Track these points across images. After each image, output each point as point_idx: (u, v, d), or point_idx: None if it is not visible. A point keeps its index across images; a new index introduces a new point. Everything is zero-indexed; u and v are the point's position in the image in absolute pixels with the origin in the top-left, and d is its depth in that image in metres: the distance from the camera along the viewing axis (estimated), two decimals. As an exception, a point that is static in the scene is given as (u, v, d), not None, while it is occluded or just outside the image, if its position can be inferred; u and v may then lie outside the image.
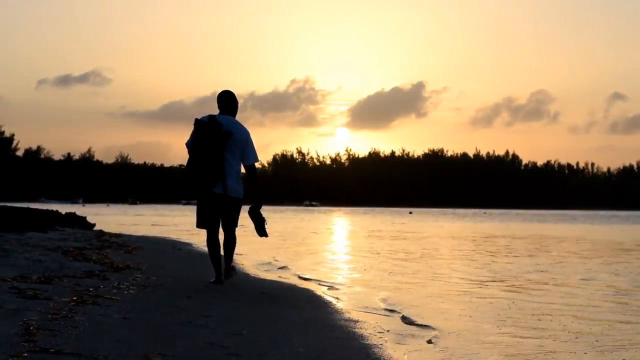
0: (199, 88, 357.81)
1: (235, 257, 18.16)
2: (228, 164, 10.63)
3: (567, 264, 18.97)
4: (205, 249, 11.67)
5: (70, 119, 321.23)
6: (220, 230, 11.04)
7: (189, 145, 10.75)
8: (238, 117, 11.17)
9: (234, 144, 10.64)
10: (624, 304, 11.51)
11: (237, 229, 11.11)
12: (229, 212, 10.83)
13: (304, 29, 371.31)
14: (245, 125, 10.97)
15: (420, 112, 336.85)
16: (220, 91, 11.10)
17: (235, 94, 11.17)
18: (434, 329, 8.90)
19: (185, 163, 11.04)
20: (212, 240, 10.95)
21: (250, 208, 10.98)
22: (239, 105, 11.22)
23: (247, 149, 10.76)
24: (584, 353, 7.62)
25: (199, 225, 10.91)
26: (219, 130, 10.55)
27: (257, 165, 11.06)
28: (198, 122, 10.68)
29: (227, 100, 10.99)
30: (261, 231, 11.06)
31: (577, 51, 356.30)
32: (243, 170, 11.10)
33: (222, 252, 11.06)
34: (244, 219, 11.02)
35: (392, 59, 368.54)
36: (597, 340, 8.31)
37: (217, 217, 10.84)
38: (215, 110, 11.13)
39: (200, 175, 10.58)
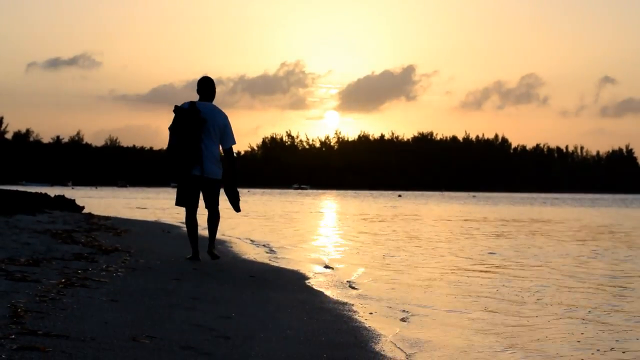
0: (189, 71, 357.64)
1: (225, 239, 18.22)
2: (206, 148, 11.36)
3: (542, 245, 19.02)
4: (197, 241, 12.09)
5: (59, 102, 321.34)
6: (204, 209, 11.84)
7: (171, 130, 11.48)
8: (223, 101, 11.69)
9: (212, 128, 11.38)
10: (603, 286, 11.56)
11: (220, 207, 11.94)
12: (208, 192, 11.65)
13: (294, 12, 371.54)
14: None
15: (410, 96, 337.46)
16: (199, 78, 11.76)
17: (214, 80, 11.81)
18: (419, 313, 8.93)
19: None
20: (190, 219, 11.77)
21: (225, 186, 11.75)
22: (226, 90, 12.18)
23: (225, 133, 11.52)
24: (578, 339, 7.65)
25: (178, 203, 11.69)
26: (197, 116, 11.24)
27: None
28: (177, 109, 11.37)
29: (204, 86, 11.68)
30: (236, 206, 11.82)
31: (567, 35, 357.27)
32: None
33: (201, 231, 11.97)
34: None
35: (382, 43, 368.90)
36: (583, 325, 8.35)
37: (195, 197, 11.65)
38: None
39: (180, 159, 11.32)
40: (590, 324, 8.27)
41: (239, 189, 11.78)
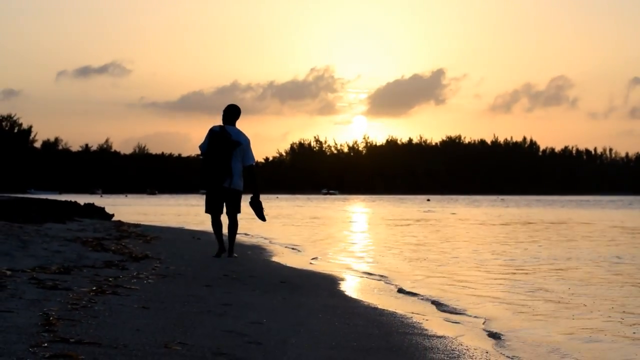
0: (219, 78, 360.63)
1: (255, 244, 18.26)
2: (234, 165, 13.41)
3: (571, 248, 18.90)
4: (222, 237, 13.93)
5: (89, 110, 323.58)
6: (225, 216, 13.69)
7: (202, 148, 13.62)
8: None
9: (239, 149, 13.43)
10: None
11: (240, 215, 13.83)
12: (233, 201, 13.57)
13: (323, 18, 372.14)
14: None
15: (439, 99, 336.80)
16: (228, 104, 13.83)
17: (239, 106, 13.94)
18: (465, 315, 8.89)
19: (200, 160, 14.10)
20: (216, 221, 13.82)
21: (251, 199, 13.70)
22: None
23: (247, 154, 13.56)
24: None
25: (207, 210, 13.77)
26: (229, 139, 13.37)
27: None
28: (212, 132, 13.50)
29: (232, 112, 13.71)
30: (260, 216, 13.81)
31: (597, 37, 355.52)
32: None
33: (225, 232, 13.90)
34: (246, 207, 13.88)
35: (412, 46, 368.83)
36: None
37: (222, 205, 13.65)
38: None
39: (214, 173, 13.40)
40: None
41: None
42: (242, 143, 13.44)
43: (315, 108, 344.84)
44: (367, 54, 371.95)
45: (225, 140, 13.34)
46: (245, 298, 8.85)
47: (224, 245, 13.92)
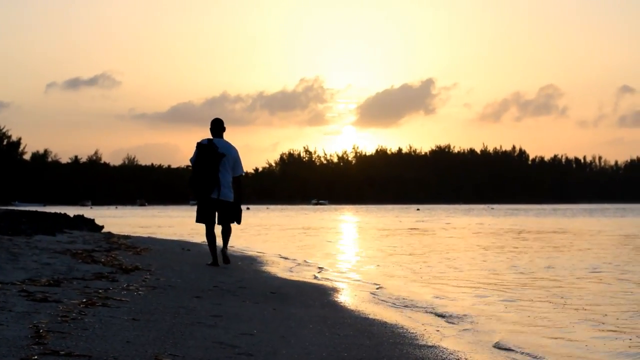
0: (208, 89, 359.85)
1: (246, 255, 18.25)
2: (222, 176, 13.95)
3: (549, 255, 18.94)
4: (216, 249, 14.31)
5: (79, 122, 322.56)
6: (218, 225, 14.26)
7: (192, 161, 14.03)
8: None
9: (227, 161, 13.99)
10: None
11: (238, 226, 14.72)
12: (224, 211, 14.11)
13: (313, 28, 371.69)
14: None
15: (429, 109, 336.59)
16: (212, 119, 14.32)
17: (223, 120, 14.41)
18: (456, 324, 8.90)
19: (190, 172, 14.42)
20: (209, 233, 14.28)
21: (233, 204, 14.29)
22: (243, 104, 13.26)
23: (236, 165, 14.15)
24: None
25: (198, 220, 14.23)
26: (215, 151, 13.89)
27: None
28: (200, 145, 13.99)
29: (217, 125, 14.23)
30: (238, 220, 14.33)
31: (585, 45, 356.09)
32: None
33: (218, 242, 14.36)
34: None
35: (401, 56, 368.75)
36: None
37: (213, 215, 14.16)
38: (219, 113, 13.23)
39: (202, 185, 13.88)
40: None
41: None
42: (229, 155, 13.95)
43: (305, 118, 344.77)
44: (356, 64, 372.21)
45: (213, 153, 13.85)
46: (236, 309, 8.85)
47: (217, 258, 14.38)
